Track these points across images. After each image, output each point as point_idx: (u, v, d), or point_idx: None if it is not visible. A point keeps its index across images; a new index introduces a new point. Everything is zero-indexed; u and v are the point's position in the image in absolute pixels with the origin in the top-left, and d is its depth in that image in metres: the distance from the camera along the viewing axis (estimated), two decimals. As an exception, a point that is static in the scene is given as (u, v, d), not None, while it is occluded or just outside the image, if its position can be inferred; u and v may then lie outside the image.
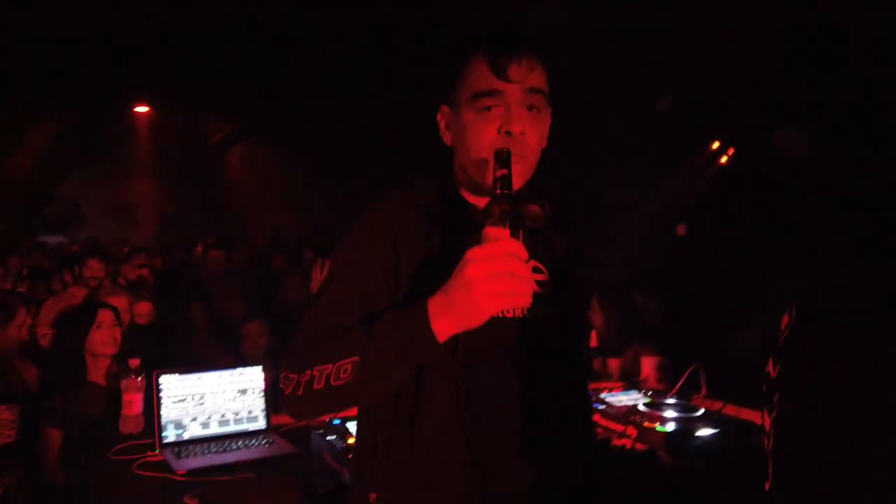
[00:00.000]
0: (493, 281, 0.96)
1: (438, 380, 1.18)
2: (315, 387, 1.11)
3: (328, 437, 2.16)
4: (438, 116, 1.30)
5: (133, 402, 2.50)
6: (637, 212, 5.68)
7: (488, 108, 1.17)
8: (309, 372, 1.13)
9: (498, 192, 1.03)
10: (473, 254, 0.98)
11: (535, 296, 1.03)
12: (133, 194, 14.61)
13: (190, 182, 14.15)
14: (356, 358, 1.09)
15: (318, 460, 2.15)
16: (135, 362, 2.51)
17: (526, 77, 1.17)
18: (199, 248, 7.81)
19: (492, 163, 1.06)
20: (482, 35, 1.22)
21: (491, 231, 0.99)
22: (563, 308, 1.29)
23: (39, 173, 11.43)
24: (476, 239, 0.99)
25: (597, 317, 3.52)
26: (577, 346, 1.36)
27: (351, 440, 2.07)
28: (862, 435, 0.86)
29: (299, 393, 1.14)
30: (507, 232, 0.98)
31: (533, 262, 1.23)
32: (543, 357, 1.25)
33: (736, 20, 3.82)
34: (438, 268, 1.07)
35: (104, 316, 2.90)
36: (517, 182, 1.13)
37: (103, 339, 2.86)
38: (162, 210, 14.43)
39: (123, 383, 2.50)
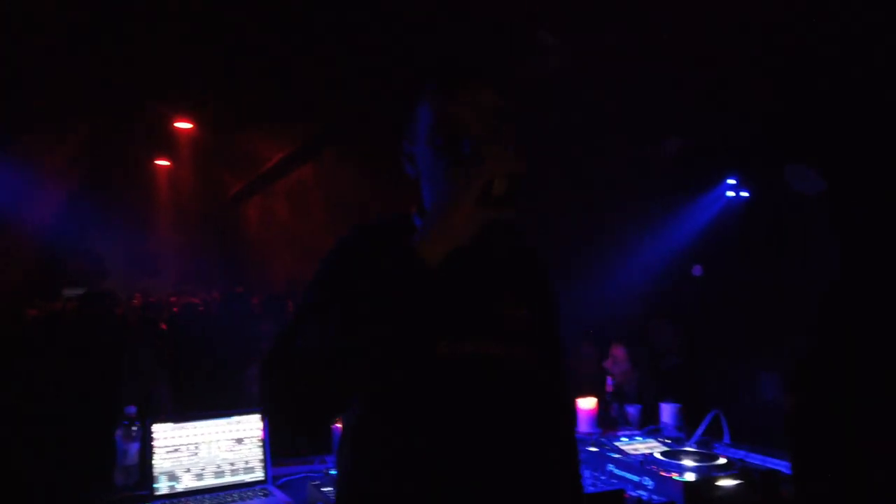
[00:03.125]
0: None
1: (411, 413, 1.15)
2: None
3: (324, 489, 2.06)
4: None
5: (128, 452, 2.42)
6: (649, 253, 5.58)
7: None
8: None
9: None
10: None
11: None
12: (154, 247, 14.83)
13: (209, 233, 14.35)
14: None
15: (315, 513, 2.04)
16: (131, 410, 2.44)
17: None
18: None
19: None
20: None
21: None
22: (544, 351, 1.27)
23: (62, 227, 11.63)
24: None
25: (614, 363, 3.40)
26: (558, 389, 1.32)
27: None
28: None
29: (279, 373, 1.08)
30: None
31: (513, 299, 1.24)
32: (520, 400, 1.20)
33: (744, 56, 3.80)
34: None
35: None
36: None
37: None
38: (182, 261, 14.59)
39: (119, 432, 2.43)
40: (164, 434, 2.31)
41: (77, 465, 2.65)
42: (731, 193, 5.47)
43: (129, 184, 12.96)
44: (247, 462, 2.39)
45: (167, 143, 11.01)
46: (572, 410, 1.38)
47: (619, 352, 3.43)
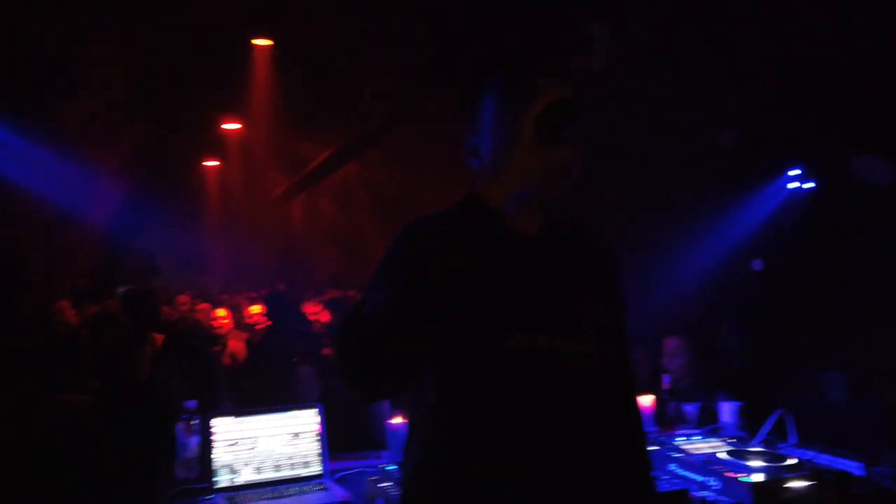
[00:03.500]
0: None
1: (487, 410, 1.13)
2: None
3: (382, 485, 2.05)
4: None
5: (188, 446, 2.46)
6: (707, 248, 5.41)
7: None
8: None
9: None
10: None
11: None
12: (203, 245, 15.18)
13: (256, 231, 14.61)
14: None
15: (373, 508, 2.04)
16: (191, 404, 2.48)
17: None
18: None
19: None
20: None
21: None
22: (613, 348, 1.25)
23: (117, 227, 12.00)
24: None
25: (672, 360, 3.31)
26: (627, 387, 1.30)
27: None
28: None
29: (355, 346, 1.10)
30: None
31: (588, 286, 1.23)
32: (589, 396, 1.18)
33: (810, 44, 3.65)
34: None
35: None
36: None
37: None
38: (230, 259, 14.89)
39: (179, 426, 2.47)
40: (224, 428, 2.34)
41: (139, 458, 2.70)
42: (794, 185, 5.26)
43: (180, 184, 13.29)
44: (304, 456, 2.40)
45: (216, 143, 11.24)
46: (640, 408, 1.34)
47: (672, 343, 3.32)
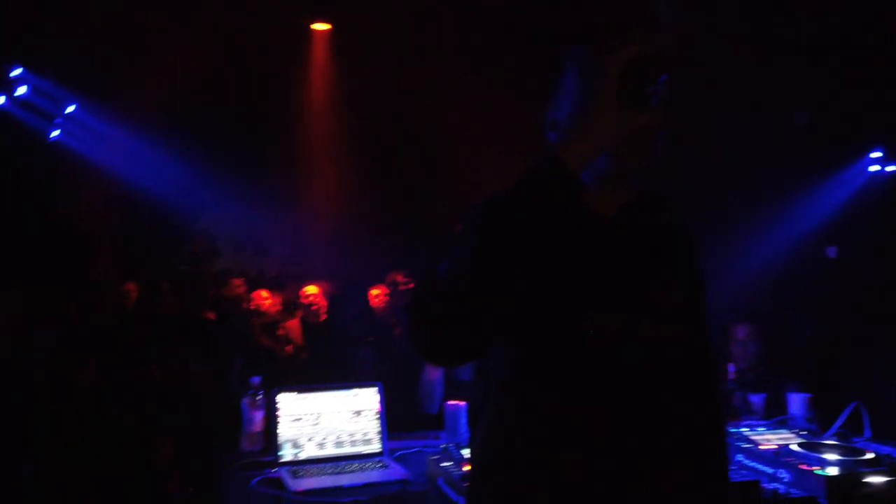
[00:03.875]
0: None
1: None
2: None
3: (443, 464, 2.06)
4: None
5: (253, 420, 2.53)
6: (781, 233, 5.17)
7: None
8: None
9: None
10: None
11: None
12: (260, 228, 15.53)
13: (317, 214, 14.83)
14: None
15: (434, 487, 2.05)
16: (256, 380, 2.55)
17: None
18: None
19: None
20: None
21: None
22: (693, 332, 1.20)
23: (179, 209, 12.39)
24: None
25: (738, 347, 3.20)
26: (707, 373, 1.24)
27: (467, 468, 1.95)
28: None
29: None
30: None
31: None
32: (668, 381, 1.14)
33: (893, 21, 3.43)
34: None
35: None
36: None
37: None
38: (292, 242, 15.19)
39: (245, 401, 2.54)
40: (288, 403, 2.39)
41: (207, 431, 2.80)
42: (875, 167, 4.97)
43: (242, 166, 13.56)
44: (364, 434, 2.44)
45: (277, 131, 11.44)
46: (718, 393, 1.30)
47: (742, 330, 3.20)
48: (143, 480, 2.67)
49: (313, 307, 5.23)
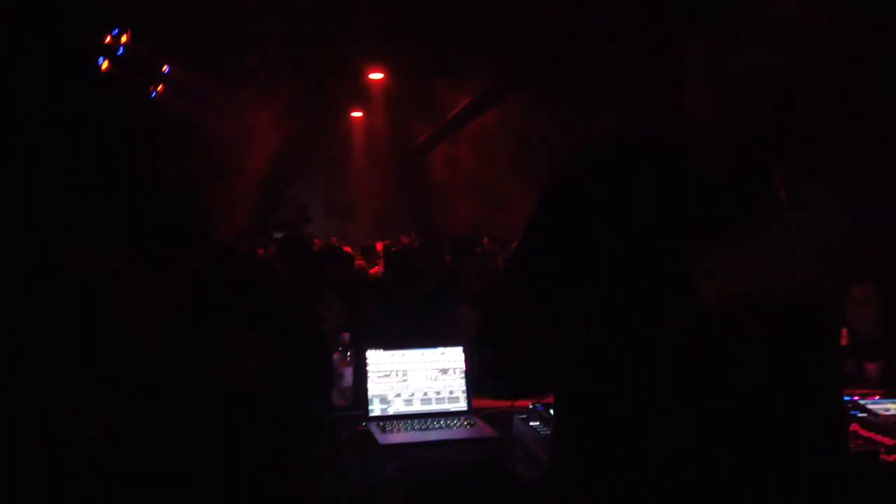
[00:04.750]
0: None
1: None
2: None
3: (532, 423, 2.02)
4: None
5: (344, 376, 2.58)
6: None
7: None
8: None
9: None
10: None
11: None
12: (349, 194, 15.91)
13: (398, 180, 15.03)
14: None
15: (521, 446, 2.02)
16: (345, 336, 2.59)
17: None
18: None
19: None
20: None
21: None
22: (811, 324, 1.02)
23: (272, 176, 12.85)
24: None
25: (853, 312, 2.94)
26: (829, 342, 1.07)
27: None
28: None
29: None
30: None
31: None
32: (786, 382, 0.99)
33: None
34: None
35: None
36: None
37: None
38: (374, 208, 15.50)
39: (335, 357, 2.60)
40: (377, 360, 2.42)
41: (300, 385, 2.88)
42: None
43: (328, 135, 13.91)
44: (451, 392, 2.44)
45: (361, 94, 11.58)
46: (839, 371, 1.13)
47: (861, 290, 2.93)
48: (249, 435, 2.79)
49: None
